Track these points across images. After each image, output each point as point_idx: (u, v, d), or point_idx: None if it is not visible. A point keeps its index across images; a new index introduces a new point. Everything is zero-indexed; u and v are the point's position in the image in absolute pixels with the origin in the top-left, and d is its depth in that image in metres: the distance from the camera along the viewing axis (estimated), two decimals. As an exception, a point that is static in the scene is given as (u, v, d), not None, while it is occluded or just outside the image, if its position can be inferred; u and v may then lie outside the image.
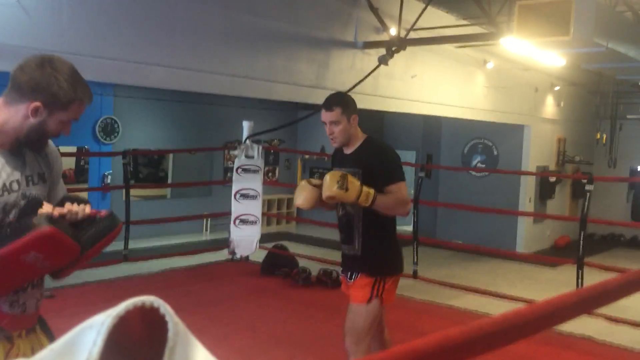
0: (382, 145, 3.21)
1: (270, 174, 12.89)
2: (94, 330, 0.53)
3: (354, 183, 2.87)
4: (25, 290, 1.83)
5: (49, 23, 4.50)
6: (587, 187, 5.47)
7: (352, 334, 3.08)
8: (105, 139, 10.20)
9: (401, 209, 2.99)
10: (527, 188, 11.26)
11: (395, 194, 2.96)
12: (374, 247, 3.10)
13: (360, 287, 3.08)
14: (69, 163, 10.03)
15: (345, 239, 3.21)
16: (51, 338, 1.91)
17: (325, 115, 3.12)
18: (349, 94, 6.44)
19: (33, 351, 1.79)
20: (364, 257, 3.12)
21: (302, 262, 7.03)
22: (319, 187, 3.00)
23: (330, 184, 2.87)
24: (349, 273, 3.19)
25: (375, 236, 3.10)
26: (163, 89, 8.26)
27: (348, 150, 3.20)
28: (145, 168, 11.83)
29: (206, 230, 11.71)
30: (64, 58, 1.93)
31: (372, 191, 2.88)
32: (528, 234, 11.28)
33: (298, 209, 13.45)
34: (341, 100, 3.15)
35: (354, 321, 3.09)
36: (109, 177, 10.26)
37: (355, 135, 3.14)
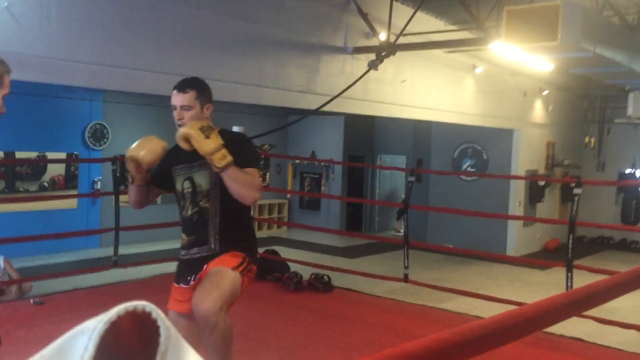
0: (239, 134, 3.02)
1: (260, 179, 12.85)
2: (85, 335, 0.53)
3: (217, 138, 2.55)
4: None
5: (38, 29, 4.48)
6: (576, 191, 5.51)
7: (215, 297, 2.56)
8: (94, 145, 10.16)
9: (250, 190, 2.64)
10: (517, 192, 11.32)
11: (249, 175, 2.66)
12: (235, 241, 2.81)
13: (230, 257, 2.75)
14: (58, 169, 9.97)
15: (196, 240, 2.83)
16: None
17: (176, 98, 2.82)
18: (340, 97, 6.50)
19: None
20: (222, 251, 2.79)
21: (293, 267, 7.03)
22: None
23: (193, 124, 2.61)
24: (196, 273, 2.78)
25: (236, 227, 2.82)
26: (153, 95, 8.23)
27: None
28: (135, 174, 11.78)
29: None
30: None
31: (229, 156, 2.56)
32: (518, 237, 11.34)
33: (289, 213, 13.44)
34: (197, 84, 2.83)
35: (219, 283, 2.62)
36: (99, 183, 10.22)
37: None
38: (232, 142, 2.70)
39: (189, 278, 2.83)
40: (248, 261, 2.80)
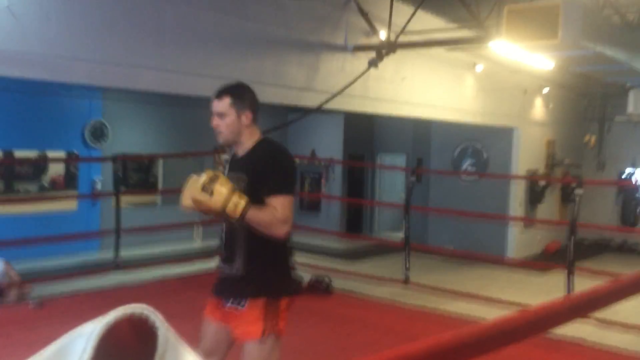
0: (273, 150, 2.62)
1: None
2: (83, 338, 0.52)
3: (222, 189, 2.35)
4: None
5: (38, 27, 4.47)
6: (577, 192, 5.50)
7: None
8: (94, 143, 10.15)
9: (276, 229, 2.42)
10: (517, 192, 11.31)
11: (272, 210, 2.42)
12: (261, 265, 2.56)
13: (251, 321, 2.52)
14: (58, 169, 9.96)
15: (225, 258, 2.66)
16: None
17: (212, 104, 2.61)
18: (340, 95, 6.49)
19: None
20: (247, 277, 2.57)
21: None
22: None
23: (192, 185, 2.42)
24: (230, 299, 2.63)
25: (264, 252, 2.55)
26: (153, 93, 8.23)
27: (240, 153, 2.68)
28: (135, 174, 11.78)
29: (197, 238, 11.68)
30: None
31: (243, 202, 2.36)
32: (518, 240, 11.30)
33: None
34: (234, 90, 2.61)
35: None
36: (99, 183, 10.21)
37: (250, 136, 2.61)
38: (263, 160, 2.55)
39: (221, 298, 2.71)
40: (270, 304, 2.53)
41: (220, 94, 2.59)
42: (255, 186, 2.48)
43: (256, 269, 2.56)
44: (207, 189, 2.35)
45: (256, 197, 2.44)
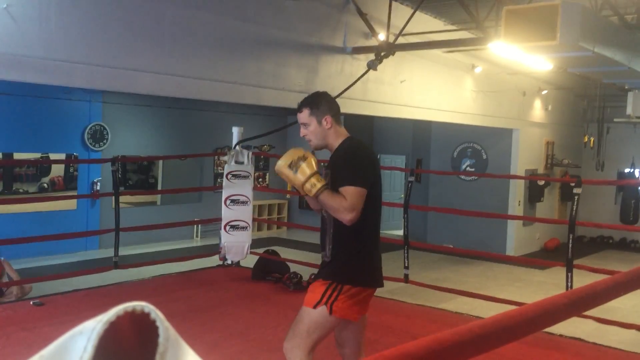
0: (350, 146, 2.91)
1: (260, 180, 12.88)
2: (84, 336, 0.52)
3: (306, 168, 2.72)
4: None
5: (37, 30, 4.48)
6: (576, 191, 5.51)
7: (289, 337, 2.85)
8: (94, 146, 10.16)
9: (342, 214, 2.71)
10: (517, 191, 11.33)
11: (341, 198, 2.71)
12: (341, 254, 2.85)
13: (312, 290, 2.85)
14: (58, 170, 9.97)
15: (321, 244, 3.01)
16: None
17: (298, 117, 2.95)
18: (340, 98, 6.49)
19: None
20: (331, 263, 2.89)
21: (293, 267, 7.02)
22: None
23: (284, 159, 2.77)
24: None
25: (345, 243, 2.85)
26: (152, 95, 8.25)
27: (331, 153, 3.01)
28: (135, 174, 11.79)
29: (197, 236, 11.68)
30: None
31: (319, 184, 2.71)
32: (518, 237, 11.34)
33: (289, 214, 13.43)
34: (310, 101, 2.90)
35: (295, 323, 2.86)
36: (98, 184, 10.21)
37: (336, 137, 2.91)
38: (340, 156, 2.86)
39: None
40: (333, 286, 2.77)
41: (300, 107, 2.92)
42: (335, 178, 2.79)
43: (338, 256, 2.85)
44: (293, 165, 2.73)
45: (336, 189, 2.76)
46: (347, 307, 2.77)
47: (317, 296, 2.78)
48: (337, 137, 2.89)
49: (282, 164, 2.76)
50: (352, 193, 2.70)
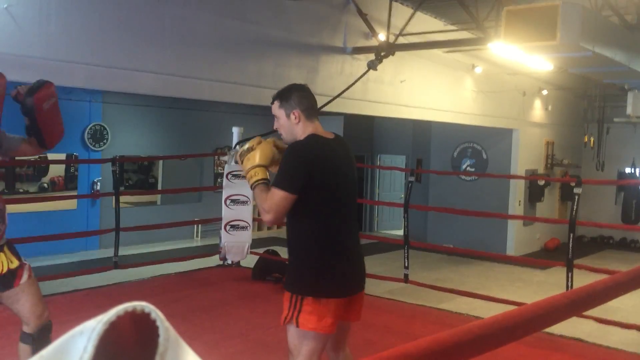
0: (295, 145, 2.70)
1: (260, 180, 12.85)
2: (84, 336, 0.52)
3: (256, 157, 2.65)
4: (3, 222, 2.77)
5: (38, 30, 4.48)
6: (576, 190, 5.51)
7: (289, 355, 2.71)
8: (94, 146, 10.16)
9: (261, 214, 2.61)
10: (517, 191, 11.33)
11: (264, 196, 2.61)
12: (298, 261, 2.67)
13: (283, 302, 2.67)
14: (58, 170, 9.97)
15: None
16: (10, 255, 3.00)
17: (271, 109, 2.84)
18: (340, 98, 6.49)
19: None
20: (289, 267, 2.75)
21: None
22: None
23: (246, 144, 2.74)
24: None
25: (302, 249, 2.67)
26: (152, 95, 8.25)
27: None
28: (135, 174, 11.79)
29: (197, 236, 11.68)
30: None
31: (256, 177, 2.63)
32: (518, 237, 11.34)
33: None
34: (281, 94, 2.77)
35: (290, 349, 2.69)
36: (99, 183, 10.22)
37: (303, 132, 2.71)
38: (283, 155, 2.72)
39: None
40: (295, 299, 2.60)
41: (272, 99, 2.80)
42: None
43: (295, 263, 2.70)
44: (243, 155, 2.70)
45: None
46: (315, 320, 2.58)
47: (285, 311, 2.64)
48: (304, 132, 2.70)
49: (241, 149, 2.73)
50: (273, 195, 2.57)
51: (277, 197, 2.55)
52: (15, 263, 3.05)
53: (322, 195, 2.62)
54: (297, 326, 2.59)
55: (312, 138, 2.67)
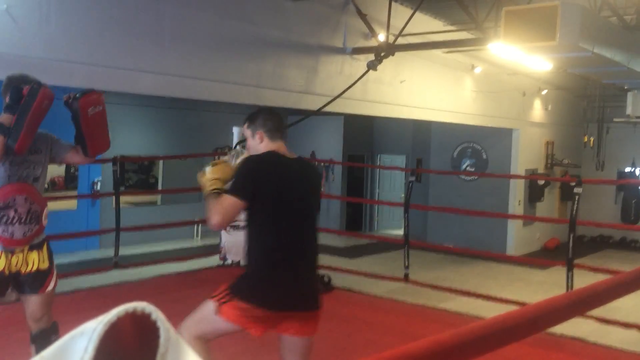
0: (245, 158, 2.94)
1: (260, 180, 12.85)
2: (85, 337, 0.52)
3: (217, 171, 2.85)
4: (13, 224, 2.97)
5: (37, 30, 4.48)
6: (576, 190, 5.51)
7: (187, 319, 2.83)
8: (94, 146, 10.15)
9: (209, 216, 2.73)
10: (517, 191, 11.33)
11: (214, 202, 2.75)
12: (247, 266, 2.81)
13: (220, 286, 2.83)
14: (58, 170, 9.96)
15: None
16: (45, 256, 3.15)
17: None
18: (340, 98, 6.49)
19: (25, 259, 3.07)
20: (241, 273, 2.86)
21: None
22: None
23: (209, 165, 2.94)
24: None
25: (251, 257, 2.79)
26: (152, 95, 8.25)
27: None
28: (135, 174, 11.79)
29: (197, 236, 11.67)
30: None
31: (210, 188, 2.79)
32: (518, 237, 11.34)
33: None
34: (249, 115, 2.96)
35: (195, 311, 2.84)
36: (99, 183, 10.21)
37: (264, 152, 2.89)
38: None
39: None
40: (226, 293, 2.72)
41: (243, 121, 2.99)
42: None
43: (246, 267, 2.83)
44: (206, 172, 2.89)
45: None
46: (237, 315, 2.69)
47: (216, 292, 2.77)
48: (265, 150, 2.88)
49: (207, 168, 2.92)
50: (223, 200, 2.72)
51: (227, 202, 2.70)
52: (46, 264, 3.15)
53: (270, 208, 2.74)
54: (217, 312, 2.72)
55: (269, 153, 2.86)
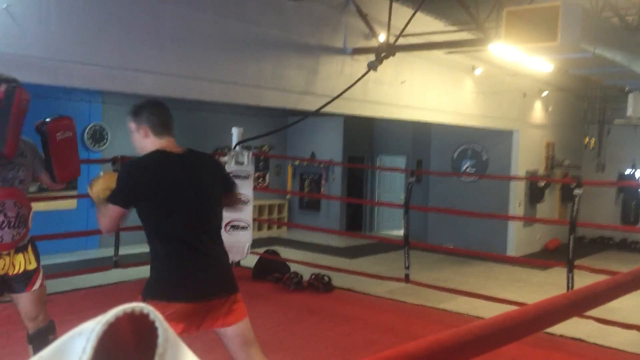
0: (123, 163, 3.04)
1: (260, 180, 12.87)
2: (83, 337, 0.52)
3: (97, 184, 2.88)
4: (3, 229, 2.95)
5: (37, 30, 4.48)
6: (576, 192, 5.51)
7: None
8: (94, 146, 10.15)
9: (99, 224, 2.82)
10: (517, 192, 11.32)
11: (100, 210, 2.81)
12: (151, 266, 2.77)
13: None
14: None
15: None
16: (31, 257, 3.21)
17: None
18: (340, 98, 6.49)
19: (11, 262, 3.10)
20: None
21: (293, 267, 7.03)
22: None
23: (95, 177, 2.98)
24: None
25: (150, 254, 2.77)
26: (152, 96, 8.25)
27: None
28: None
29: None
30: None
31: (101, 197, 2.83)
32: (518, 238, 11.33)
33: (289, 214, 13.44)
34: (134, 107, 2.87)
35: None
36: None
37: (151, 148, 2.80)
38: None
39: None
40: (140, 300, 2.59)
41: (128, 114, 2.90)
42: None
43: (150, 269, 2.77)
44: (92, 182, 2.93)
45: None
46: (178, 328, 2.55)
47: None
48: (151, 148, 2.79)
49: (95, 180, 2.95)
50: (107, 209, 2.76)
51: (109, 210, 2.74)
52: (33, 265, 3.21)
53: (160, 207, 2.71)
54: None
55: (151, 154, 2.75)
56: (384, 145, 13.55)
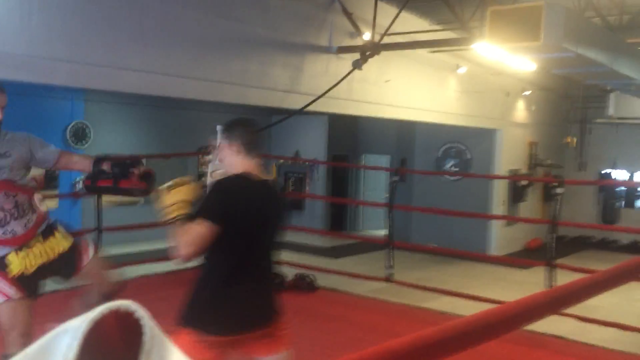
0: (216, 182, 2.74)
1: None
2: (69, 334, 0.52)
3: (170, 198, 2.51)
4: (9, 222, 2.92)
5: (19, 27, 4.43)
6: (558, 191, 5.57)
7: None
8: (76, 144, 10.06)
9: (179, 247, 2.43)
10: (500, 191, 11.41)
11: (182, 230, 2.45)
12: (194, 290, 2.61)
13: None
14: (38, 169, 9.85)
15: None
16: (59, 239, 3.17)
17: None
18: (324, 97, 6.50)
19: (45, 250, 3.09)
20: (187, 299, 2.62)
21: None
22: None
23: (169, 183, 2.60)
24: None
25: (201, 277, 2.63)
26: (135, 94, 8.19)
27: None
28: (117, 173, 11.68)
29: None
30: None
31: (176, 214, 2.47)
32: (500, 237, 11.42)
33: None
34: (228, 123, 2.81)
35: None
36: (80, 183, 10.12)
37: (240, 167, 2.72)
38: None
39: None
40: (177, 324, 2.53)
41: (219, 130, 2.80)
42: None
43: (192, 292, 2.64)
44: (171, 188, 2.55)
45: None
46: (189, 345, 2.41)
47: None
48: (240, 167, 2.65)
49: (164, 187, 2.58)
50: (194, 226, 2.42)
51: (198, 228, 2.41)
52: (66, 244, 3.19)
53: (234, 235, 2.53)
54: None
55: (240, 177, 2.61)
56: (368, 144, 13.58)
